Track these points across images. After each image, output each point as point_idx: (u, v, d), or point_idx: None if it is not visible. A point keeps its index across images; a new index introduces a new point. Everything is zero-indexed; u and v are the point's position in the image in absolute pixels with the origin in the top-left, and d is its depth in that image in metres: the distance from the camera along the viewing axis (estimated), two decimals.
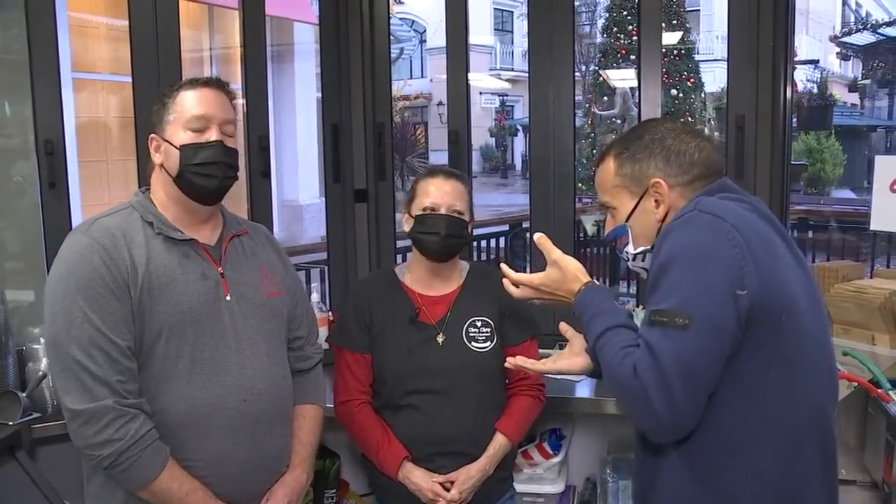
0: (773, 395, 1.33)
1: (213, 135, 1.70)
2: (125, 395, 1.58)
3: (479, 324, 2.10)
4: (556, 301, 1.62)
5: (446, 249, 2.07)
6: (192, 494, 1.64)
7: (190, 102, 1.69)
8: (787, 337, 1.32)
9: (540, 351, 2.19)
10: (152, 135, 1.72)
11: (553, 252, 1.59)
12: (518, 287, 1.64)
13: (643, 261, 1.52)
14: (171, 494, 1.62)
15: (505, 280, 1.66)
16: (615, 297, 2.92)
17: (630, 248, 1.53)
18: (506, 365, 1.66)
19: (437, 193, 2.07)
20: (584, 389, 2.44)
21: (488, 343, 2.09)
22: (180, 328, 1.65)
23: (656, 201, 1.48)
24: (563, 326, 1.68)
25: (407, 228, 2.11)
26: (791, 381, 1.34)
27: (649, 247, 1.49)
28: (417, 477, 2.03)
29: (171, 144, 1.68)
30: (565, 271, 1.56)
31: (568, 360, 1.62)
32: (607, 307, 1.47)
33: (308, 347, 1.97)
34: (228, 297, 1.74)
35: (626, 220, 1.52)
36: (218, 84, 1.75)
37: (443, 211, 2.05)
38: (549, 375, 1.82)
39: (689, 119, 15.01)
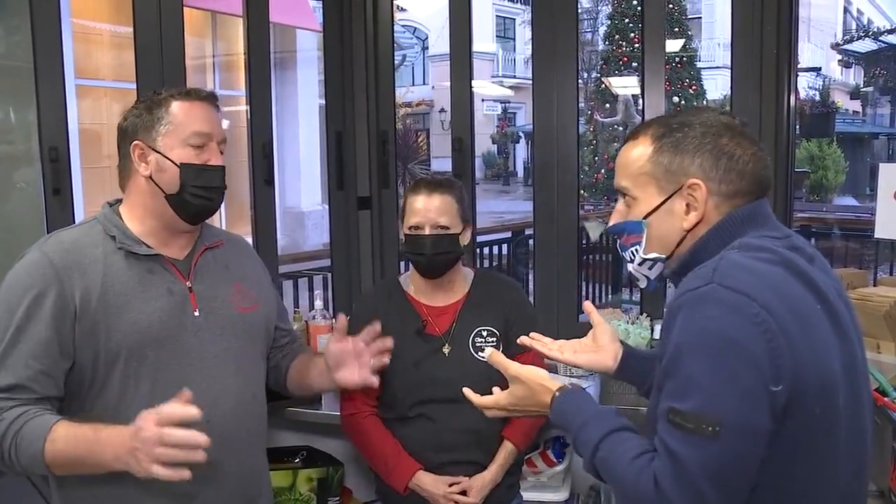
0: (797, 491, 1.15)
1: (214, 155, 1.66)
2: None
3: (484, 333, 2.10)
4: (530, 415, 1.44)
5: (434, 267, 2.07)
6: (84, 440, 1.47)
7: (189, 117, 1.64)
8: (820, 430, 1.13)
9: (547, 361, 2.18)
10: (137, 141, 1.64)
11: (510, 367, 1.42)
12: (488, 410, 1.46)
13: (650, 269, 1.32)
14: (69, 454, 1.47)
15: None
16: (618, 303, 2.91)
17: (640, 251, 1.31)
18: (518, 341, 1.57)
19: (422, 211, 2.05)
20: None
21: None
22: (140, 350, 1.59)
23: (688, 205, 1.25)
24: (588, 307, 1.52)
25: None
26: (817, 476, 1.15)
27: (663, 256, 1.30)
28: (429, 483, 2.02)
29: (168, 159, 1.62)
30: (529, 384, 1.38)
31: (590, 356, 1.47)
32: (593, 412, 1.28)
33: (294, 342, 1.98)
34: (196, 313, 1.67)
35: (646, 217, 1.29)
36: (214, 99, 1.70)
37: (427, 230, 2.04)
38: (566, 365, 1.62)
39: None
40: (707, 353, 1.09)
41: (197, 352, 1.66)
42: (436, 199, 2.05)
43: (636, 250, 1.32)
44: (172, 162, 1.63)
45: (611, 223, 1.36)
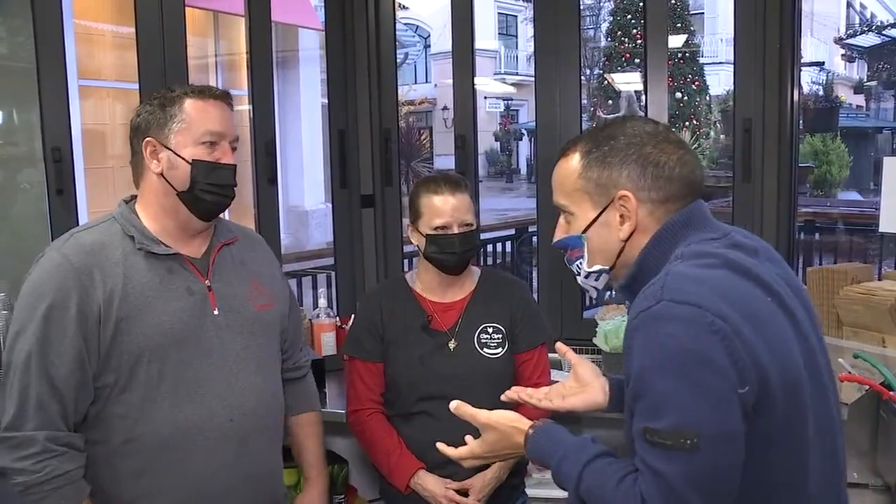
0: (772, 493, 1.17)
1: (225, 154, 1.65)
2: (60, 427, 1.54)
3: (490, 330, 2.10)
4: (508, 458, 1.48)
5: (462, 263, 2.09)
6: None
7: (203, 115, 1.62)
8: (788, 429, 1.15)
9: (550, 355, 2.19)
10: (149, 138, 1.62)
11: (478, 416, 1.39)
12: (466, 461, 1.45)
13: (596, 280, 1.35)
14: None
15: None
16: (622, 299, 2.91)
17: (583, 265, 1.35)
18: (501, 398, 1.52)
19: (448, 211, 2.04)
20: None
21: (500, 349, 2.09)
22: (162, 350, 1.59)
23: (622, 216, 1.28)
24: (561, 347, 1.51)
25: (415, 242, 2.11)
26: (790, 476, 1.17)
27: (607, 267, 1.32)
28: (431, 484, 2.02)
29: (180, 156, 1.61)
30: (499, 428, 1.36)
31: (580, 397, 1.46)
32: (569, 444, 1.27)
33: (297, 354, 1.94)
34: (216, 312, 1.67)
35: (584, 231, 1.32)
36: (228, 98, 1.69)
37: (455, 229, 2.04)
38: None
39: (695, 122, 15.03)
40: (672, 369, 1.11)
41: (218, 351, 1.66)
42: (458, 197, 2.06)
43: (580, 264, 1.35)
44: (184, 159, 1.61)
45: (554, 240, 1.39)
